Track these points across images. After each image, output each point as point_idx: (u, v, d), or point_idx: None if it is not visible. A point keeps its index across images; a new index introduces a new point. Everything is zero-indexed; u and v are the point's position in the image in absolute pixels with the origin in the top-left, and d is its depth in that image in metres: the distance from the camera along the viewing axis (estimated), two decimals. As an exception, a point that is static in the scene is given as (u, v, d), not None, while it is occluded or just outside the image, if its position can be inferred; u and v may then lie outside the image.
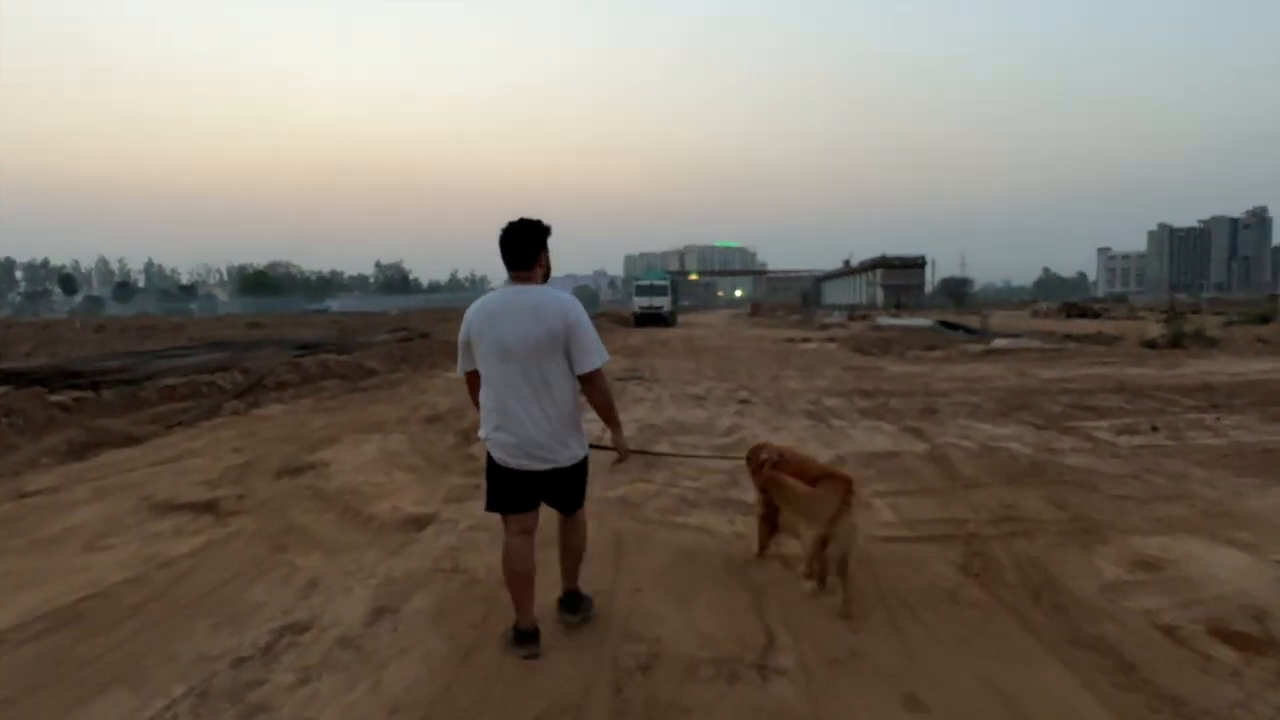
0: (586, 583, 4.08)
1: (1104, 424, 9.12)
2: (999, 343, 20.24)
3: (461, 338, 3.50)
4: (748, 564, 4.70)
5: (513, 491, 3.47)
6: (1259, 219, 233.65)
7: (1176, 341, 20.57)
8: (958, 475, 6.72)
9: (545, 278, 3.49)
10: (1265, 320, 21.23)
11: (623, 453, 3.64)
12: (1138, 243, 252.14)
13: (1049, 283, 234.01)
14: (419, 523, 5.60)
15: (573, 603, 3.86)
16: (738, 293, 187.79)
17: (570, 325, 3.32)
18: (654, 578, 4.51)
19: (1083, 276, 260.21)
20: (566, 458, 3.45)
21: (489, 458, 3.49)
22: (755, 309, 78.96)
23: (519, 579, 3.52)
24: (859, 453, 7.69)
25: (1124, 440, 8.17)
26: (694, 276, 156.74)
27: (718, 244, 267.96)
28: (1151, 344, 20.93)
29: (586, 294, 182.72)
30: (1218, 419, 9.37)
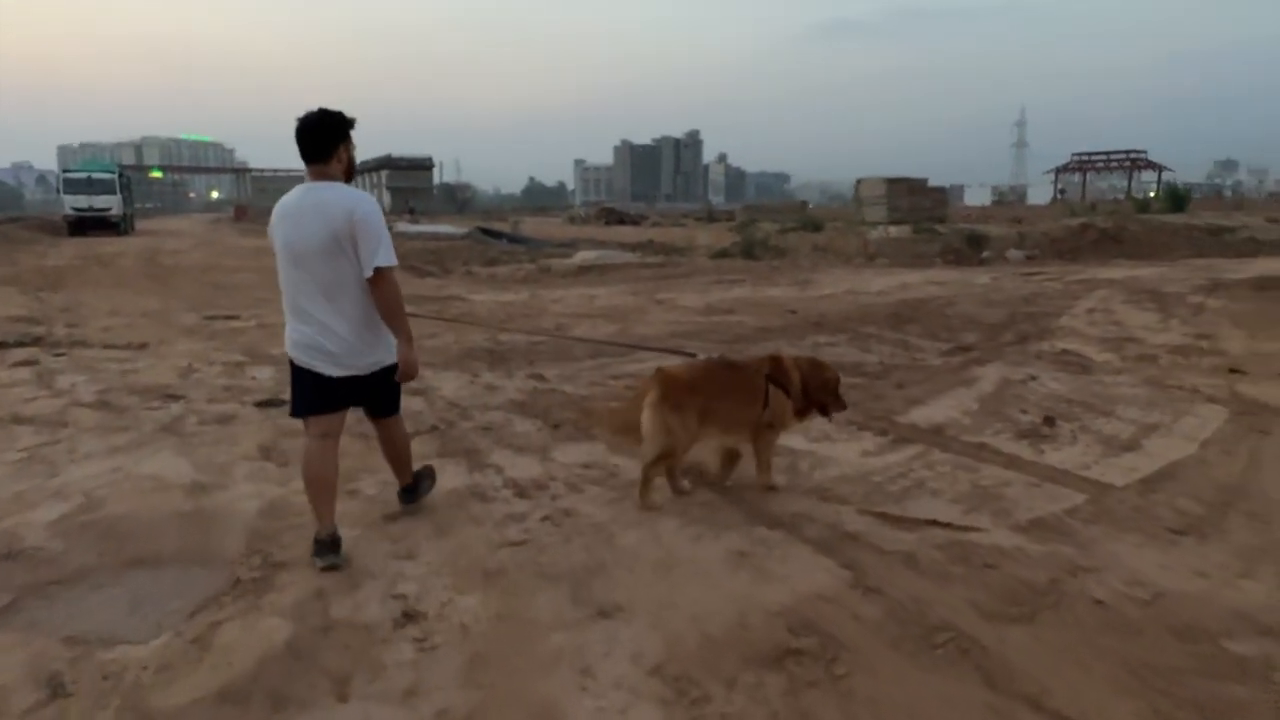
0: None
1: (971, 417, 5.37)
2: (585, 256, 16.49)
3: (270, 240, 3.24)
4: None
5: (310, 393, 3.23)
6: (694, 140, 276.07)
7: (748, 251, 19.17)
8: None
9: (349, 174, 3.19)
10: (818, 228, 21.25)
11: (409, 370, 3.21)
12: (606, 156, 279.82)
13: (535, 191, 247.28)
14: None
15: (411, 492, 3.65)
16: (214, 194, 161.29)
17: (355, 222, 3.02)
18: None
19: (563, 186, 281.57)
20: (366, 365, 3.19)
21: (290, 359, 3.24)
22: (241, 213, 66.01)
23: (317, 484, 3.22)
24: None
25: (1098, 471, 4.41)
26: (157, 174, 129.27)
27: (185, 137, 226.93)
28: (724, 254, 19.26)
29: (4, 191, 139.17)
30: (1032, 378, 6.35)
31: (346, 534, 3.43)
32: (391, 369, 3.25)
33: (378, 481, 4.05)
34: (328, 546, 3.16)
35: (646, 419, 3.53)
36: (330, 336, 3.10)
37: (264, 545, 3.34)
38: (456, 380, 6.40)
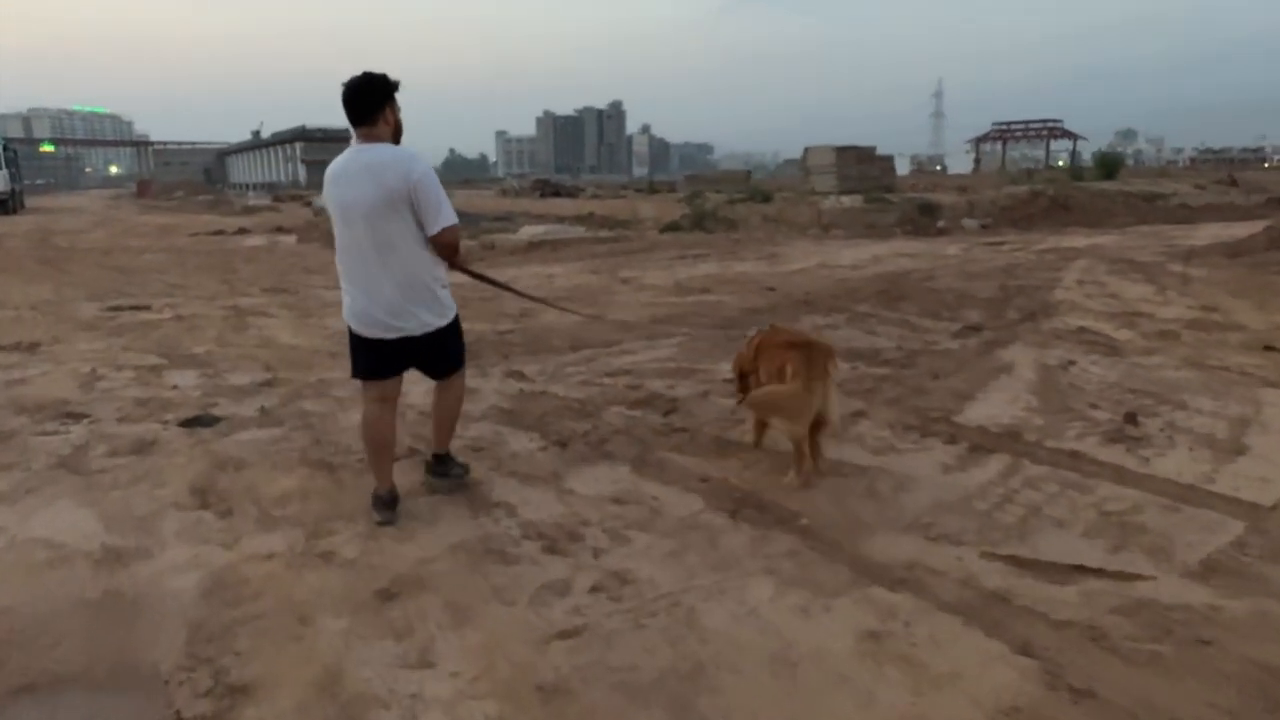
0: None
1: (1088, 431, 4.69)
2: (532, 231, 15.41)
3: (324, 204, 3.30)
4: None
5: (368, 359, 3.28)
6: (617, 111, 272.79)
7: (699, 224, 18.36)
8: None
9: (397, 136, 3.20)
10: (767, 199, 20.54)
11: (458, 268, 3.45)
12: (528, 127, 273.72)
13: (455, 163, 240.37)
14: None
15: (442, 466, 3.54)
16: (113, 169, 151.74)
17: (413, 185, 3.05)
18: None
19: (484, 158, 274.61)
20: (418, 326, 3.17)
21: (347, 326, 3.27)
22: (144, 188, 62.11)
23: (375, 446, 3.32)
24: None
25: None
26: (48, 148, 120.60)
27: (78, 108, 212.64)
28: (674, 227, 18.40)
29: None
30: (1071, 363, 5.74)
31: (330, 623, 2.52)
32: (444, 332, 3.27)
33: (357, 535, 3.12)
34: (385, 503, 3.25)
35: (824, 392, 3.50)
36: (380, 297, 3.11)
37: (212, 651, 2.38)
38: (423, 383, 5.40)
